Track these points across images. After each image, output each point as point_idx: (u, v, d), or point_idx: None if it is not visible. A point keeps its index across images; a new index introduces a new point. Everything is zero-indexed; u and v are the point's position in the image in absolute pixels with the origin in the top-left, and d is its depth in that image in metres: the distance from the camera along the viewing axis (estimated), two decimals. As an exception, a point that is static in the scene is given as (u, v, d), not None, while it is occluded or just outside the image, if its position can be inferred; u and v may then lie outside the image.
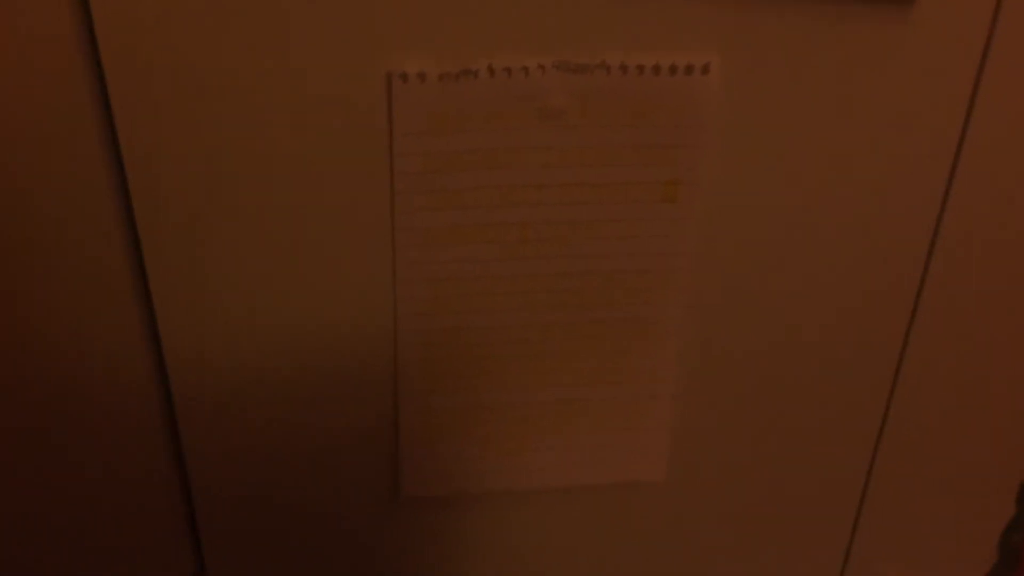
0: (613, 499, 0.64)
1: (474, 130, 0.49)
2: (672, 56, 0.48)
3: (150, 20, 0.44)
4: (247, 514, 0.60)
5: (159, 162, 0.48)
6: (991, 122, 0.53)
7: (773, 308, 0.58)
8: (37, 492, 0.57)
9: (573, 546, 0.66)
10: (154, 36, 0.44)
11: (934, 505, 0.69)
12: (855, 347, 0.60)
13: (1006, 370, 0.63)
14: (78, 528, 0.59)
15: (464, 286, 0.53)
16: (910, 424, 0.64)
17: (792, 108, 0.51)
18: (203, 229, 0.50)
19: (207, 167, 0.48)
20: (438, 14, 0.46)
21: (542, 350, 0.56)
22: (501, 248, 0.52)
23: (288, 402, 0.56)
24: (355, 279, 0.53)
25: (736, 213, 0.54)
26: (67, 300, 0.51)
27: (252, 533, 0.61)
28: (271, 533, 0.62)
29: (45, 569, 0.60)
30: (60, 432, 0.55)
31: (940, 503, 0.69)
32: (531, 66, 0.47)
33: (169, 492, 0.59)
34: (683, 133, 0.50)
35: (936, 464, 0.67)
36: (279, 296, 0.53)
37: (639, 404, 0.59)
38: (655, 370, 0.58)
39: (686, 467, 0.63)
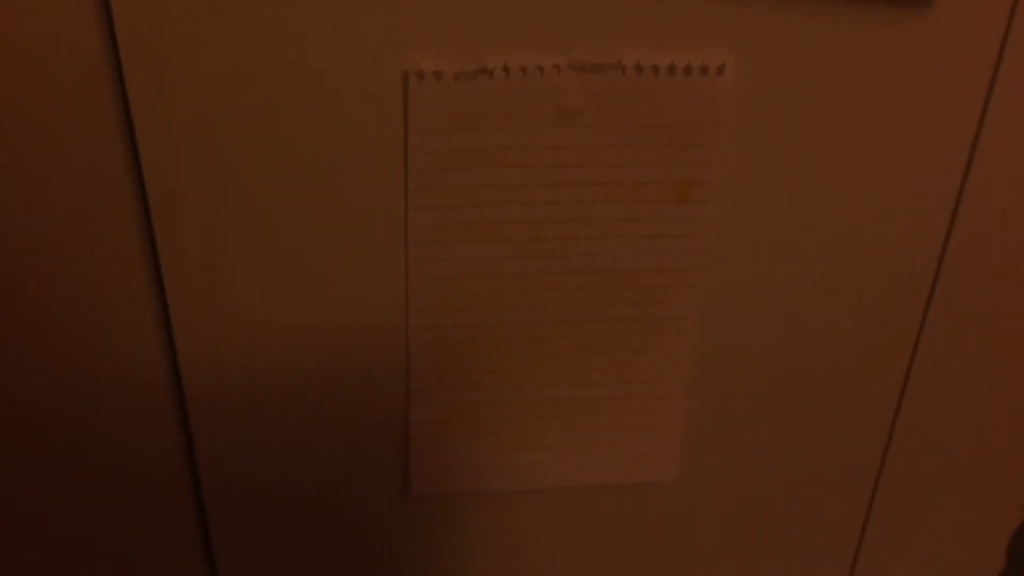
0: (624, 498, 0.64)
1: (489, 129, 0.49)
2: (687, 56, 0.48)
3: (169, 18, 0.44)
4: (258, 511, 0.60)
5: (175, 159, 0.48)
6: (1006, 123, 0.53)
7: (785, 308, 0.57)
8: (47, 491, 0.57)
9: (583, 545, 0.66)
10: (172, 34, 0.45)
11: (943, 509, 0.69)
12: (867, 348, 0.60)
13: (1017, 374, 0.63)
14: (88, 528, 0.59)
15: (476, 284, 0.54)
16: (920, 427, 0.64)
17: (806, 109, 0.51)
18: (217, 227, 0.50)
19: (222, 165, 0.48)
20: (455, 13, 0.46)
21: (554, 348, 0.56)
22: (514, 246, 0.53)
23: (299, 399, 0.56)
24: (367, 276, 0.53)
25: (749, 213, 0.54)
26: (82, 299, 0.51)
27: (262, 531, 0.61)
28: (281, 530, 0.61)
29: (55, 569, 0.60)
30: (71, 431, 0.55)
31: (949, 508, 0.69)
32: (546, 65, 0.47)
33: (180, 490, 0.59)
34: (697, 133, 0.50)
35: (945, 468, 0.66)
36: (291, 293, 0.53)
37: (651, 403, 0.59)
38: (667, 369, 0.58)
39: (698, 466, 0.63)
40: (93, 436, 0.56)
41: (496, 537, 0.64)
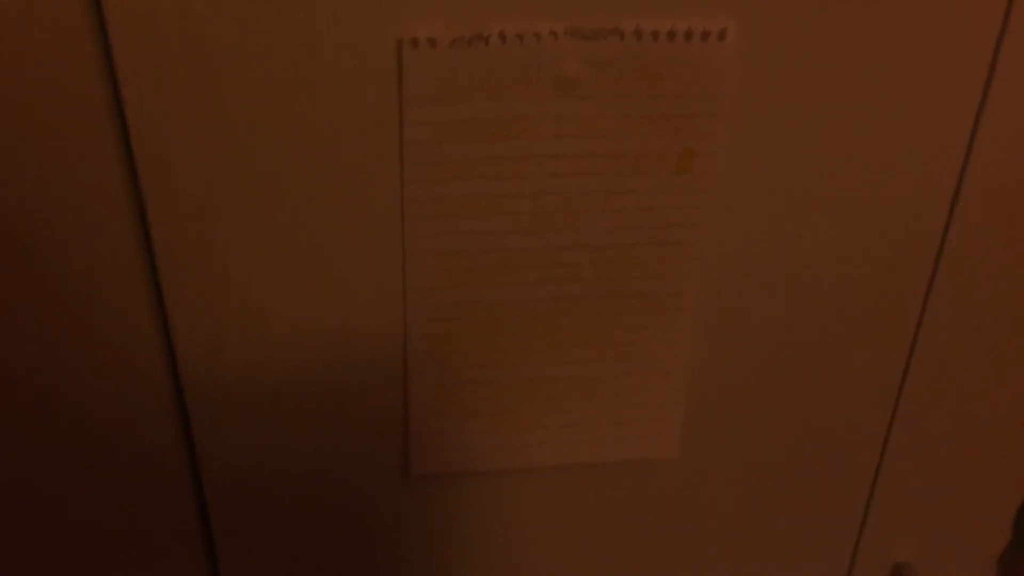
0: (625, 477, 0.63)
1: (486, 99, 0.48)
2: (688, 21, 0.47)
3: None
4: (257, 495, 0.60)
5: (166, 140, 0.47)
6: (1012, 90, 0.52)
7: (789, 284, 0.57)
8: (46, 489, 0.57)
9: (584, 524, 0.65)
10: (162, 12, 0.44)
11: (948, 482, 0.69)
12: (870, 322, 0.59)
13: (1016, 360, 0.63)
14: (88, 527, 0.59)
15: (475, 259, 0.53)
16: (925, 400, 0.64)
17: (810, 76, 0.50)
18: (210, 209, 0.49)
19: (214, 144, 0.47)
20: (449, -21, 0.45)
21: (554, 325, 0.56)
22: (513, 220, 0.52)
23: (297, 381, 0.56)
24: (364, 253, 0.52)
25: (752, 185, 0.53)
26: (78, 295, 0.51)
27: (262, 513, 0.61)
28: (280, 513, 0.61)
29: (56, 567, 0.60)
30: (69, 427, 0.55)
31: (954, 480, 0.69)
32: (543, 32, 0.46)
33: (179, 477, 0.58)
34: (698, 102, 0.49)
35: (951, 440, 0.66)
36: (286, 273, 0.52)
37: (652, 381, 0.59)
38: (669, 346, 0.57)
39: (699, 445, 0.63)
40: (92, 436, 0.55)
41: (496, 517, 0.64)
